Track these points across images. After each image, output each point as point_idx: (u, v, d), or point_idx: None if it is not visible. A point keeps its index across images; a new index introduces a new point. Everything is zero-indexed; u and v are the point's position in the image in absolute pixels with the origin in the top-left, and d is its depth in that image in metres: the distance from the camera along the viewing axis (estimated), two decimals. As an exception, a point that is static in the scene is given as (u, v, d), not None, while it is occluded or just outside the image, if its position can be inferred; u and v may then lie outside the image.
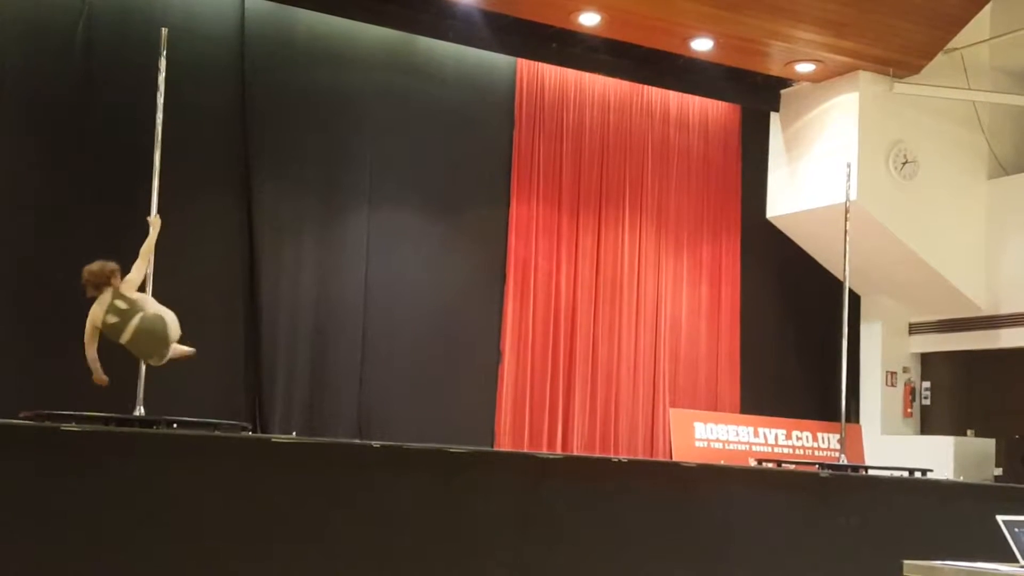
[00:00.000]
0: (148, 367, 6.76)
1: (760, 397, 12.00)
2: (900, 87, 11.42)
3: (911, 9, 10.57)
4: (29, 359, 8.65)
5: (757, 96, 12.10)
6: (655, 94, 11.92)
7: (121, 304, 6.36)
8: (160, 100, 6.90)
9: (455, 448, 6.31)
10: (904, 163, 11.47)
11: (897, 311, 12.49)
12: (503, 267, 10.99)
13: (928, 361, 12.55)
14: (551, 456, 7.57)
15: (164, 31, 7.02)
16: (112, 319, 6.34)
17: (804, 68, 11.33)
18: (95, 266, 6.40)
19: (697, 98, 12.13)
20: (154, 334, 6.39)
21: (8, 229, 8.82)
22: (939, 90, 11.56)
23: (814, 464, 9.64)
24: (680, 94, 12.02)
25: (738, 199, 12.30)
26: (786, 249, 12.30)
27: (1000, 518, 4.61)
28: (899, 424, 12.36)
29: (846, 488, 7.76)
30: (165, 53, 6.94)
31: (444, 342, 10.56)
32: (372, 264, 10.30)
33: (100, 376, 6.40)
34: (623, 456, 10.66)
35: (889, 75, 11.39)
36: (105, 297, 6.37)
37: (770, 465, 9.55)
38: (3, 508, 5.02)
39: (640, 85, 11.78)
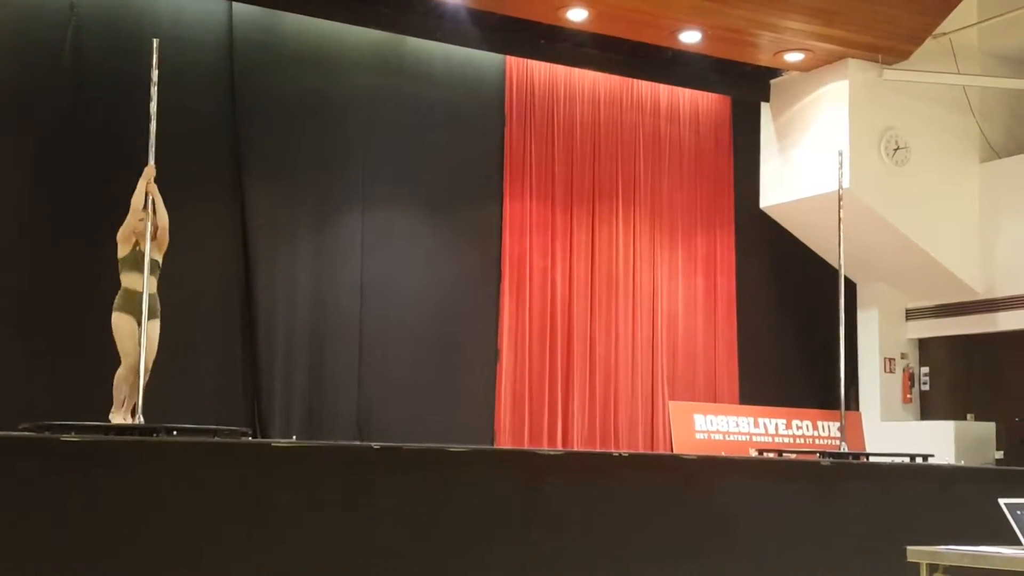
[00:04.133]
0: (149, 377, 6.75)
1: (759, 387, 12.00)
2: (889, 73, 11.43)
3: (898, -5, 10.59)
4: (25, 369, 8.64)
5: (747, 87, 12.10)
6: (645, 88, 11.92)
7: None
8: (153, 109, 6.89)
9: (455, 447, 6.30)
10: (896, 149, 11.48)
11: (893, 297, 12.49)
12: (498, 264, 10.98)
13: (926, 346, 12.56)
14: (551, 453, 7.58)
15: (156, 42, 6.98)
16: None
17: (793, 57, 11.33)
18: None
19: (687, 91, 12.12)
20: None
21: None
22: (929, 75, 11.57)
23: (815, 453, 9.65)
24: (670, 87, 12.02)
25: (731, 190, 12.30)
26: (780, 239, 12.30)
27: (1002, 501, 4.62)
28: (899, 410, 12.37)
29: (848, 476, 7.77)
30: (157, 64, 6.93)
31: (441, 341, 10.56)
32: (367, 265, 10.30)
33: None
34: (624, 451, 10.67)
35: (878, 62, 11.40)
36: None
37: (771, 455, 9.57)
38: (4, 519, 5.01)
39: (630, 79, 11.78)
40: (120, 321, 6.77)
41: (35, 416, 6.40)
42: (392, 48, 10.63)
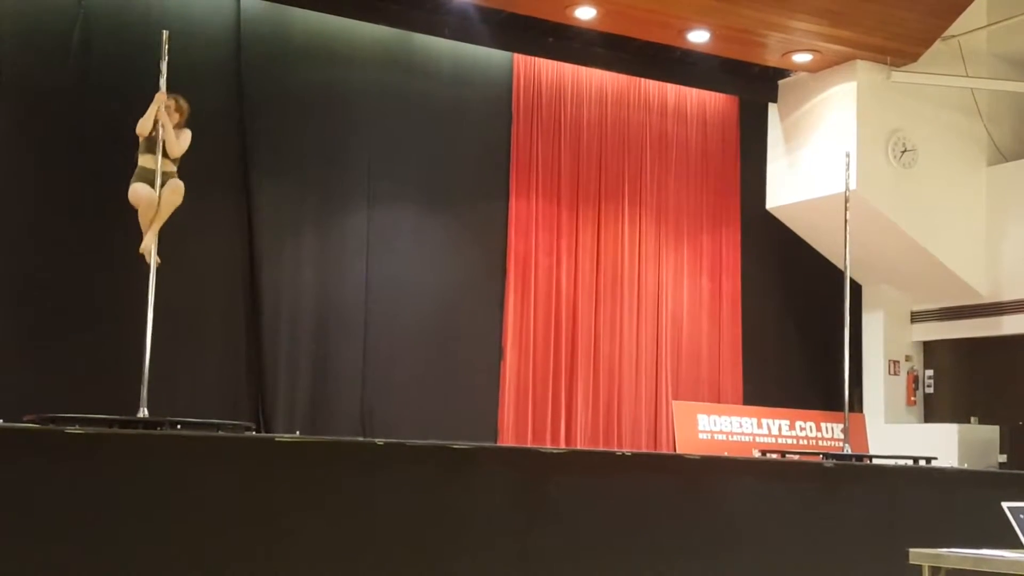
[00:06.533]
0: (151, 367, 6.76)
1: (763, 388, 11.99)
2: (898, 76, 11.41)
3: (907, -3, 10.57)
4: (29, 361, 8.65)
5: (755, 87, 12.09)
6: (652, 87, 11.91)
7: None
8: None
9: (458, 444, 6.30)
10: (903, 151, 11.47)
11: (899, 300, 12.48)
12: (503, 263, 10.99)
13: (930, 349, 12.55)
14: (555, 451, 7.57)
15: (165, 34, 7.02)
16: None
17: (801, 58, 11.32)
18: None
19: (695, 90, 12.12)
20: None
21: (5, 229, 8.82)
22: (937, 78, 11.54)
23: (818, 454, 9.64)
24: (677, 87, 12.01)
25: (737, 190, 12.29)
26: (786, 240, 12.29)
27: (1005, 505, 4.62)
28: (902, 413, 12.35)
29: (851, 478, 7.76)
30: (167, 57, 6.96)
31: (446, 339, 10.56)
32: (372, 262, 10.30)
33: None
34: (627, 450, 10.66)
35: (887, 64, 11.38)
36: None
37: (774, 456, 9.56)
38: (7, 510, 5.02)
39: (637, 78, 11.77)
40: (135, 187, 7.05)
41: (40, 407, 6.42)
42: (400, 45, 10.63)
